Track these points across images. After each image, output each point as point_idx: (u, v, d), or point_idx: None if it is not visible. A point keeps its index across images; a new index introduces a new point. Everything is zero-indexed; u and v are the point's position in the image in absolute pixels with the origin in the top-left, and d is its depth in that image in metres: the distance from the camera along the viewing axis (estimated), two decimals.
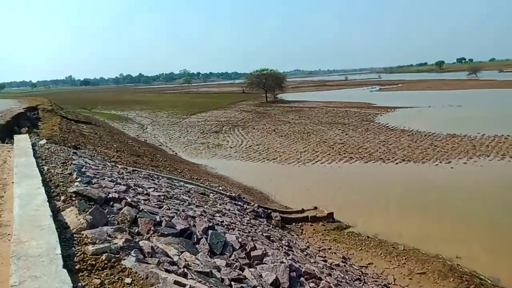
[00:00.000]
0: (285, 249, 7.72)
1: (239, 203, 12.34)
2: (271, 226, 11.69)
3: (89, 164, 7.90)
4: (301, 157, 25.92)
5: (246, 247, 5.76)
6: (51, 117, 23.73)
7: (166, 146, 31.94)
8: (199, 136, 36.25)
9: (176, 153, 28.96)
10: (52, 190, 5.06)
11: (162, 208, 6.26)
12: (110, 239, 3.98)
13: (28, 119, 21.02)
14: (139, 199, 6.23)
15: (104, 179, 6.60)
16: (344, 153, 26.15)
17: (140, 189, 7.15)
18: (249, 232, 7.63)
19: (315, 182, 20.14)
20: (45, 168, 6.29)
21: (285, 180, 20.81)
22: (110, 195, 5.53)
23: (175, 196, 7.95)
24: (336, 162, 24.06)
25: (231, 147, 30.27)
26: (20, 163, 6.07)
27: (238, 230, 7.29)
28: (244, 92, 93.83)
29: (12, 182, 5.33)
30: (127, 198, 5.73)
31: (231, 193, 12.89)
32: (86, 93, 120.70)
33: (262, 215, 12.54)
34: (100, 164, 8.65)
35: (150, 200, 6.52)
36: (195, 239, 5.50)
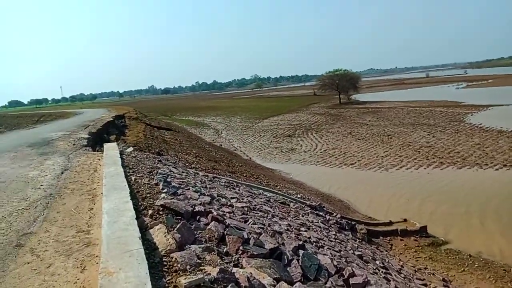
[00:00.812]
0: (382, 272, 6.78)
1: (321, 213, 11.55)
2: (357, 240, 10.70)
3: (173, 173, 7.84)
4: (382, 162, 24.10)
5: (344, 273, 5.03)
6: (136, 125, 25.38)
7: (240, 151, 32.27)
8: (272, 140, 36.05)
9: (250, 158, 29.04)
10: (140, 203, 4.89)
11: (248, 222, 5.83)
12: (200, 261, 3.61)
13: (116, 127, 22.71)
14: (224, 212, 5.87)
15: (189, 189, 6.39)
16: (433, 158, 23.70)
17: (224, 199, 6.83)
18: (340, 250, 6.85)
19: (400, 190, 18.41)
20: (133, 178, 6.26)
21: (366, 187, 19.39)
22: (197, 208, 5.24)
23: (257, 207, 7.51)
24: (424, 168, 21.84)
25: (305, 151, 29.44)
26: (109, 173, 6.12)
27: (328, 248, 6.57)
28: (316, 94, 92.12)
29: (101, 193, 5.32)
30: (212, 211, 5.39)
31: (312, 202, 12.16)
32: (166, 101, 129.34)
33: (346, 227, 11.60)
34: (184, 172, 8.59)
35: (234, 213, 6.14)
36: (286, 260, 4.93)
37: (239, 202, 7.17)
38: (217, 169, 16.12)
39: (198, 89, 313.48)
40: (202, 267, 3.29)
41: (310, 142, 33.09)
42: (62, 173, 7.36)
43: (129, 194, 4.86)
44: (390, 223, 13.74)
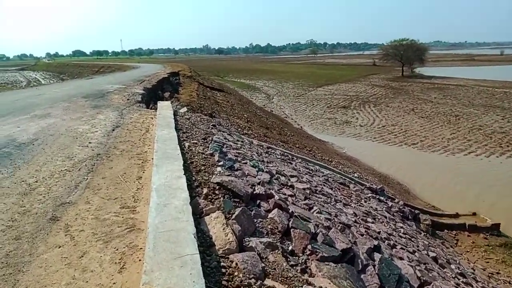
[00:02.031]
0: (462, 283, 5.71)
1: (382, 198, 10.42)
2: (422, 233, 9.53)
3: (229, 141, 7.10)
4: (448, 145, 21.86)
5: None
6: (190, 83, 25.06)
7: (292, 119, 31.12)
8: (326, 110, 34.34)
9: (301, 127, 27.87)
10: (193, 178, 4.18)
11: (313, 210, 4.97)
12: (264, 265, 2.86)
13: (170, 84, 22.49)
14: (286, 195, 5.05)
15: (246, 163, 5.62)
16: (507, 146, 21.04)
17: (283, 178, 6.00)
18: (414, 252, 5.83)
19: (468, 178, 16.52)
20: (186, 144, 5.59)
21: (429, 171, 17.65)
22: (257, 190, 4.45)
23: (318, 189, 6.60)
24: (497, 156, 19.44)
25: (361, 126, 27.63)
26: (161, 137, 5.47)
27: (401, 247, 5.58)
28: (375, 64, 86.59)
29: (152, 159, 4.69)
30: (274, 194, 4.58)
31: (372, 185, 11.02)
32: (219, 61, 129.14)
33: (409, 217, 10.42)
34: (239, 140, 7.84)
35: (296, 196, 5.29)
36: (360, 265, 4.07)
37: (299, 182, 6.30)
38: (269, 137, 15.31)
39: (251, 51, 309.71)
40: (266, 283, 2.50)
41: (367, 115, 31.02)
42: (113, 130, 6.89)
43: (182, 166, 4.15)
44: (457, 215, 12.28)
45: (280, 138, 16.20)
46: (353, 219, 5.62)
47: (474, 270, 8.60)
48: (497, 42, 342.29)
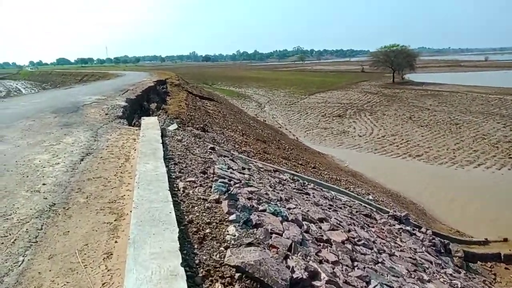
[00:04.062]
0: None
1: (409, 228, 8.90)
2: (459, 270, 8.03)
3: (234, 171, 5.46)
4: (455, 156, 20.63)
5: None
6: (178, 92, 23.38)
7: (286, 129, 29.65)
8: (321, 119, 32.98)
9: (297, 138, 26.39)
10: (196, 259, 2.54)
11: (372, 285, 3.37)
12: None
13: (157, 93, 20.75)
14: (329, 262, 3.45)
15: (264, 209, 4.00)
16: None
17: (313, 227, 4.40)
18: None
19: (484, 195, 15.19)
20: (181, 185, 3.94)
21: (441, 187, 16.28)
22: (296, 272, 2.82)
23: (355, 236, 5.01)
24: (509, 169, 18.25)
25: (360, 136, 26.28)
26: (144, 176, 3.82)
27: None
28: (364, 71, 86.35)
29: (131, 211, 3.03)
30: (318, 270, 2.98)
31: (395, 212, 9.50)
32: (207, 69, 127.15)
33: (442, 250, 8.93)
34: (245, 168, 6.20)
35: (341, 262, 3.69)
36: None
37: (332, 229, 4.70)
38: (268, 153, 13.72)
39: (238, 58, 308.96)
40: None
41: (364, 125, 29.75)
42: (82, 160, 5.19)
43: (177, 242, 2.49)
44: (487, 242, 10.85)
45: (280, 153, 14.61)
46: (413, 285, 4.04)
47: None
48: (480, 49, 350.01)
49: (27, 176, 4.32)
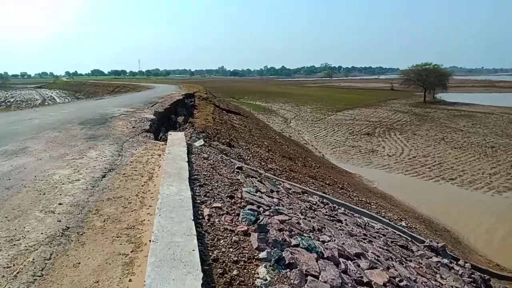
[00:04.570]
0: None
1: (446, 260, 8.15)
2: None
3: (262, 194, 5.08)
4: (491, 181, 19.35)
5: None
6: (205, 105, 23.40)
7: (312, 146, 29.02)
8: (348, 137, 32.14)
9: (323, 155, 25.71)
10: None
11: None
12: None
13: (185, 106, 20.83)
14: None
15: (297, 244, 3.57)
16: None
17: (352, 266, 3.91)
18: None
19: None
20: (206, 212, 3.60)
21: (477, 214, 15.19)
22: None
23: (395, 275, 4.46)
24: None
25: (390, 156, 25.29)
26: (167, 201, 3.50)
27: None
28: (393, 89, 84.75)
29: (150, 242, 2.69)
30: None
31: (431, 242, 8.76)
32: (234, 83, 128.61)
33: (481, 285, 8.09)
34: (274, 191, 5.79)
35: None
36: None
37: (372, 267, 4.19)
38: (294, 171, 13.26)
39: (266, 73, 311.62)
40: None
41: (394, 144, 28.70)
42: (104, 176, 4.96)
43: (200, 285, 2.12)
44: None
45: (307, 172, 14.10)
46: None
47: None
48: None
49: (44, 194, 4.10)
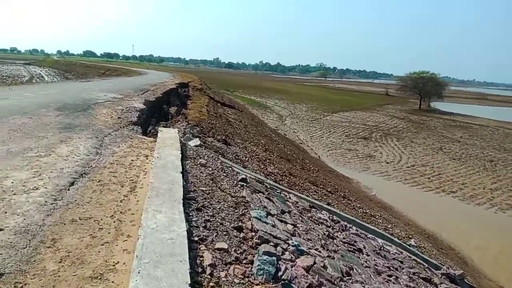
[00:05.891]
0: None
1: None
2: None
3: (273, 217, 3.99)
4: (493, 197, 18.68)
5: None
6: (199, 97, 22.11)
7: (307, 146, 28.05)
8: (345, 139, 31.25)
9: (319, 157, 24.78)
10: None
11: None
12: None
13: (178, 96, 19.49)
14: None
15: None
16: None
17: None
18: None
19: None
20: (206, 261, 2.48)
21: (482, 233, 14.44)
22: None
23: None
24: None
25: (387, 163, 24.47)
26: (150, 243, 2.37)
27: None
28: (388, 94, 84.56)
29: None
30: None
31: (448, 269, 7.83)
32: (229, 76, 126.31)
33: None
34: (285, 212, 4.71)
35: None
36: None
37: None
38: (294, 175, 12.21)
39: (261, 68, 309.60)
40: None
41: (391, 150, 27.91)
42: (72, 184, 3.80)
43: None
44: None
45: (307, 177, 13.07)
46: None
47: None
48: (506, 84, 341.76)
49: None
